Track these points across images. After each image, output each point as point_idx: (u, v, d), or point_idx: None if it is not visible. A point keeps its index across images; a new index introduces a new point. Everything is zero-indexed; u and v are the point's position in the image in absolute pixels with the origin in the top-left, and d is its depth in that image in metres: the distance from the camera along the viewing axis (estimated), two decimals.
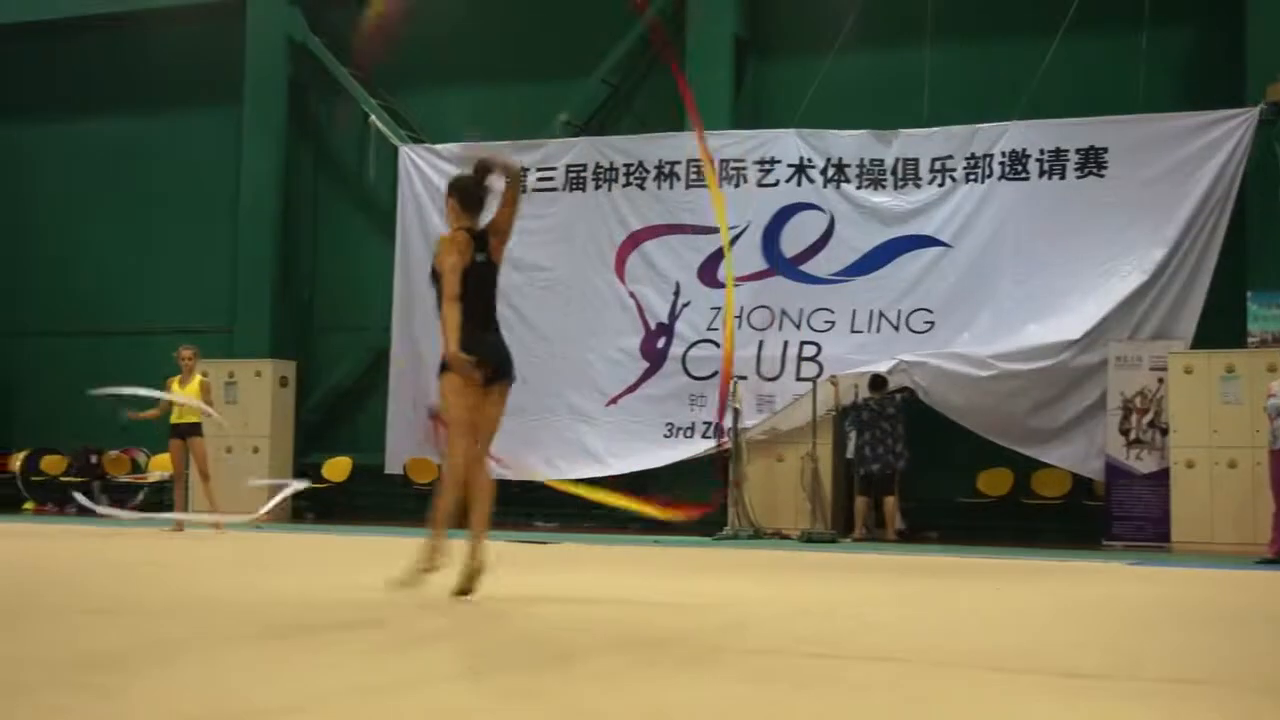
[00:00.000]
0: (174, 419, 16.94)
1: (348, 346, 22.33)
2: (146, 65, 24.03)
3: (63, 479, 23.03)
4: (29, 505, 22.91)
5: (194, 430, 16.99)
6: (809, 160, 19.56)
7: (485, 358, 8.14)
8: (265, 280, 22.22)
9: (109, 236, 24.06)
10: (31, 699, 4.43)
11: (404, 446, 20.97)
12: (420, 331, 20.68)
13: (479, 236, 8.35)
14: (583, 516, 19.96)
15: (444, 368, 8.16)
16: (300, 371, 22.11)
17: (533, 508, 20.41)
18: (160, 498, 21.68)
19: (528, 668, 5.44)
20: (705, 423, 19.53)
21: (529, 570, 11.27)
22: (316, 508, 21.70)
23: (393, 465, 21.09)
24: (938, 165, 19.12)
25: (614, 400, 20.07)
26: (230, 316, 22.58)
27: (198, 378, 17.22)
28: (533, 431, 20.19)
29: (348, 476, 21.76)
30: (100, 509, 17.84)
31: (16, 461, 23.33)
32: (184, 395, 16.89)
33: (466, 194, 8.49)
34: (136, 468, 22.84)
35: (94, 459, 23.02)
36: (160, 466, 22.12)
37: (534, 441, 20.18)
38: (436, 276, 8.20)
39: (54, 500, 22.78)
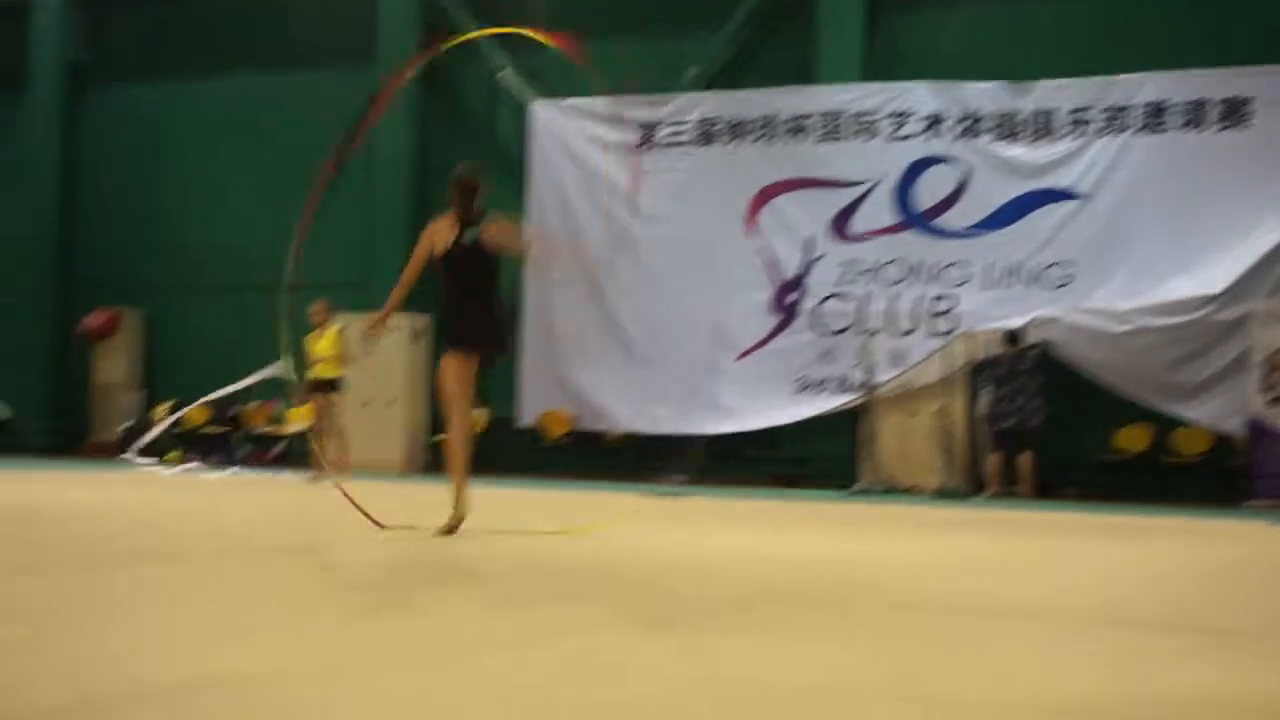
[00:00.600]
0: (312, 374, 17.25)
1: None
2: (278, 24, 24.31)
3: (204, 430, 23.49)
4: (172, 455, 23.41)
5: (332, 386, 17.24)
6: (942, 113, 19.34)
7: (460, 332, 9.33)
8: (398, 234, 22.40)
9: (244, 194, 24.42)
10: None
11: (537, 400, 21.14)
12: (554, 288, 20.85)
13: (467, 223, 9.45)
14: (713, 470, 20.01)
15: (443, 347, 9.33)
16: (436, 325, 22.27)
17: (667, 461, 20.47)
18: (300, 447, 22.09)
19: (664, 623, 5.47)
20: (837, 378, 19.46)
21: (658, 524, 11.33)
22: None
23: (526, 418, 21.25)
24: (1074, 117, 18.81)
25: (744, 354, 20.07)
26: (365, 270, 22.82)
27: (331, 331, 17.45)
28: (662, 384, 20.28)
29: (484, 429, 21.89)
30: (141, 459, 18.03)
31: (161, 412, 23.82)
32: (318, 351, 17.20)
33: (461, 188, 9.59)
34: (275, 420, 23.24)
35: (233, 411, 23.45)
36: (298, 419, 22.49)
37: (663, 395, 20.26)
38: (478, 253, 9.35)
39: (198, 451, 23.25)
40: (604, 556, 8.11)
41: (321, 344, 17.38)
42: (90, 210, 25.82)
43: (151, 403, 24.48)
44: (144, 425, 24.17)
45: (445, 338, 9.49)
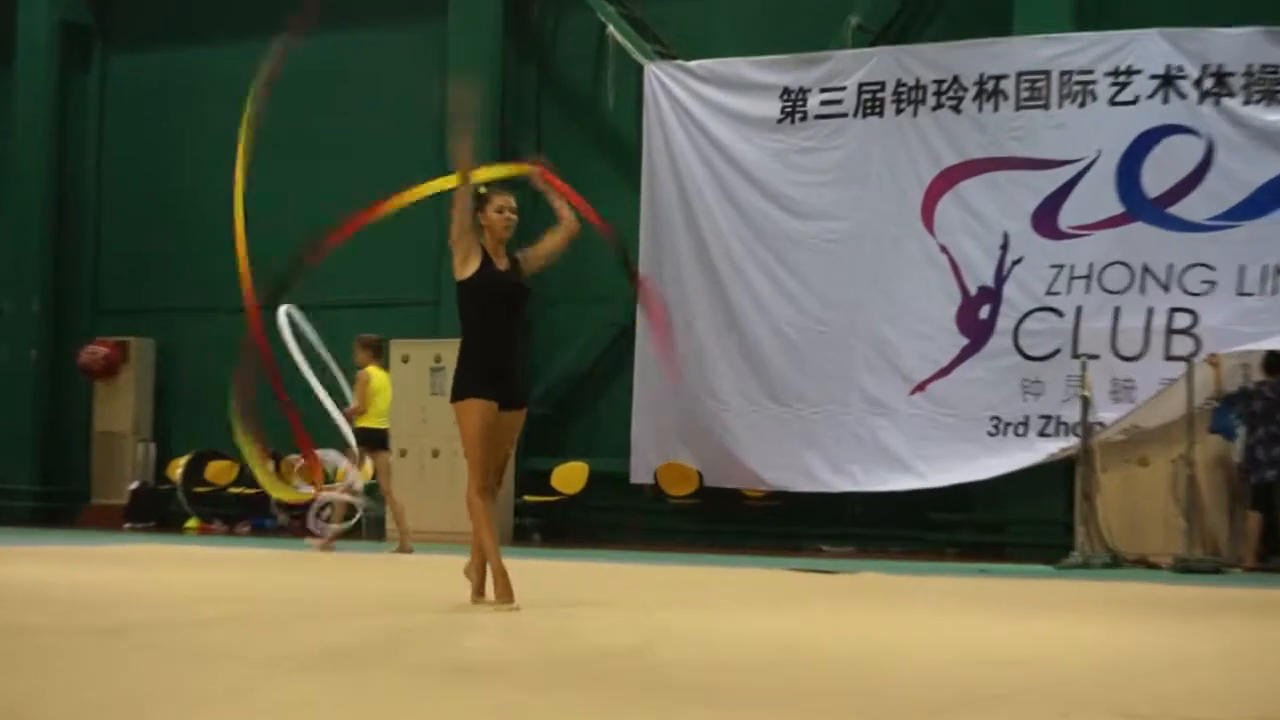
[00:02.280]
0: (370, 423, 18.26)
1: (582, 321, 22.49)
2: None
3: (231, 490, 23.69)
4: (192, 524, 23.64)
5: (371, 439, 18.28)
6: (1178, 69, 19.07)
7: (498, 382, 10.19)
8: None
9: (285, 188, 24.55)
10: None
11: (653, 451, 21.08)
12: (676, 298, 20.78)
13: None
14: (887, 539, 19.83)
15: (458, 394, 10.10)
16: (523, 354, 22.29)
17: (820, 528, 20.33)
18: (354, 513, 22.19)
19: None
20: (1043, 417, 19.22)
21: (824, 607, 11.24)
22: (543, 526, 21.92)
23: (640, 473, 21.21)
24: None
25: (920, 387, 19.92)
26: (435, 286, 22.89)
27: (368, 371, 18.37)
28: (814, 428, 20.19)
29: (583, 487, 21.92)
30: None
31: (177, 469, 24.06)
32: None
33: (508, 206, 10.66)
34: (325, 476, 23.33)
35: (271, 464, 23.61)
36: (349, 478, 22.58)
37: (816, 440, 20.17)
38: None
39: (220, 517, 23.45)
40: (778, 648, 8.12)
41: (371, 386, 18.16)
42: (90, 212, 26.21)
43: (164, 455, 24.73)
44: (156, 485, 24.47)
45: (474, 384, 10.18)
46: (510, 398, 10.26)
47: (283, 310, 18.71)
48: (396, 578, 14.19)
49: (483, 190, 10.61)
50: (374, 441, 18.25)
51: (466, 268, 10.31)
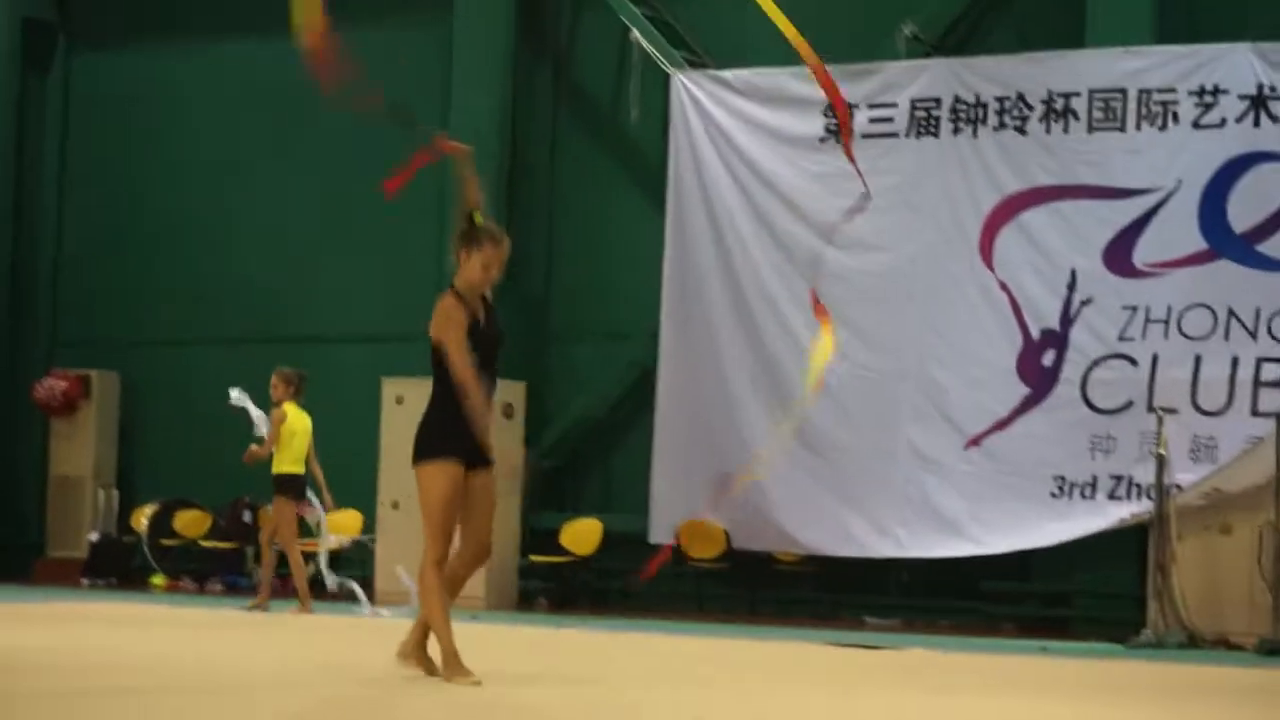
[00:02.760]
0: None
1: (598, 362, 22.52)
2: None
3: (203, 543, 23.69)
4: (158, 580, 23.64)
5: (283, 486, 18.66)
6: (1271, 88, 19.09)
7: (465, 438, 10.19)
8: None
9: (269, 204, 24.62)
10: None
11: (675, 507, 21.05)
12: (703, 335, 20.83)
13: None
14: (937, 611, 19.78)
15: (423, 455, 10.19)
16: (531, 397, 22.32)
17: (862, 597, 20.30)
18: (342, 569, 22.24)
19: None
20: (1114, 477, 19.19)
21: (856, 685, 11.23)
22: (551, 591, 21.90)
23: (660, 533, 21.17)
24: None
25: (975, 441, 19.90)
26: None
27: (284, 409, 18.64)
28: (855, 484, 20.17)
29: (596, 547, 21.88)
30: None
31: (142, 519, 24.06)
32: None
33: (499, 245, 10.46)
34: (306, 530, 23.35)
35: (247, 515, 23.60)
36: (338, 529, 22.59)
37: (857, 498, 20.16)
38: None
39: (190, 573, 23.45)
40: None
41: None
42: (49, 230, 26.27)
43: (128, 503, 24.73)
44: (119, 536, 24.48)
45: (441, 442, 10.21)
46: (479, 454, 10.26)
47: (234, 391, 18.97)
48: (357, 644, 14.17)
49: (478, 220, 10.52)
50: (286, 488, 18.57)
51: (449, 330, 10.26)
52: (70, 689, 9.43)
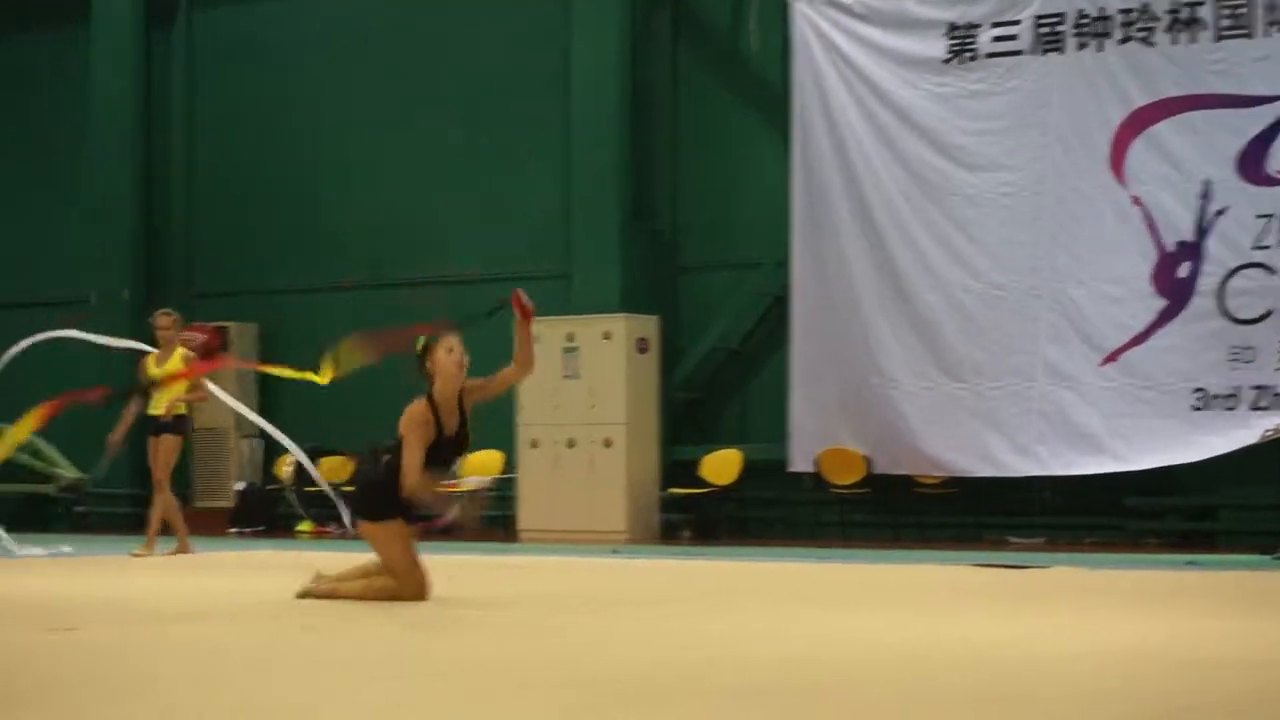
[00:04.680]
0: (150, 410, 18.30)
1: (730, 291, 22.52)
2: None
3: (346, 489, 23.95)
4: (304, 527, 23.91)
5: (166, 427, 18.25)
6: None
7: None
8: (610, 202, 22.54)
9: (400, 151, 24.72)
10: None
11: (814, 436, 21.10)
12: (835, 264, 20.92)
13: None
14: (1080, 529, 19.74)
15: (379, 513, 11.37)
16: (665, 330, 22.39)
17: (1004, 517, 20.28)
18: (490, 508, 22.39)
19: None
20: (1256, 388, 19.08)
21: (1004, 605, 11.25)
22: (693, 521, 22.00)
23: (800, 461, 21.24)
24: None
25: (1112, 357, 19.82)
26: (566, 258, 23.00)
27: (179, 352, 18.31)
28: (994, 405, 20.13)
29: (736, 477, 21.95)
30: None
31: (286, 467, 24.32)
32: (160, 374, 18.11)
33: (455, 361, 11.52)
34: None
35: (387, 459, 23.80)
36: (478, 469, 22.81)
37: (996, 419, 20.11)
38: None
39: (336, 518, 23.69)
40: (969, 654, 8.16)
41: (167, 366, 18.17)
42: (180, 186, 26.51)
43: (272, 452, 24.99)
44: (264, 485, 24.80)
45: (394, 506, 11.31)
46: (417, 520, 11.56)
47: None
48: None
49: (424, 342, 11.51)
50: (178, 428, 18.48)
51: (412, 439, 11.25)
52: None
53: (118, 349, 19.10)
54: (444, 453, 11.44)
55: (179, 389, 18.11)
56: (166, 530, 18.48)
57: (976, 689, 7.21)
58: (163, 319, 18.49)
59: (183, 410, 18.49)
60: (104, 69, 26.25)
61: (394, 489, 11.22)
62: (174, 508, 18.50)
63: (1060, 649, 8.82)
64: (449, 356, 11.33)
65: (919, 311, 20.59)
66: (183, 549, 18.18)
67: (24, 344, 18.36)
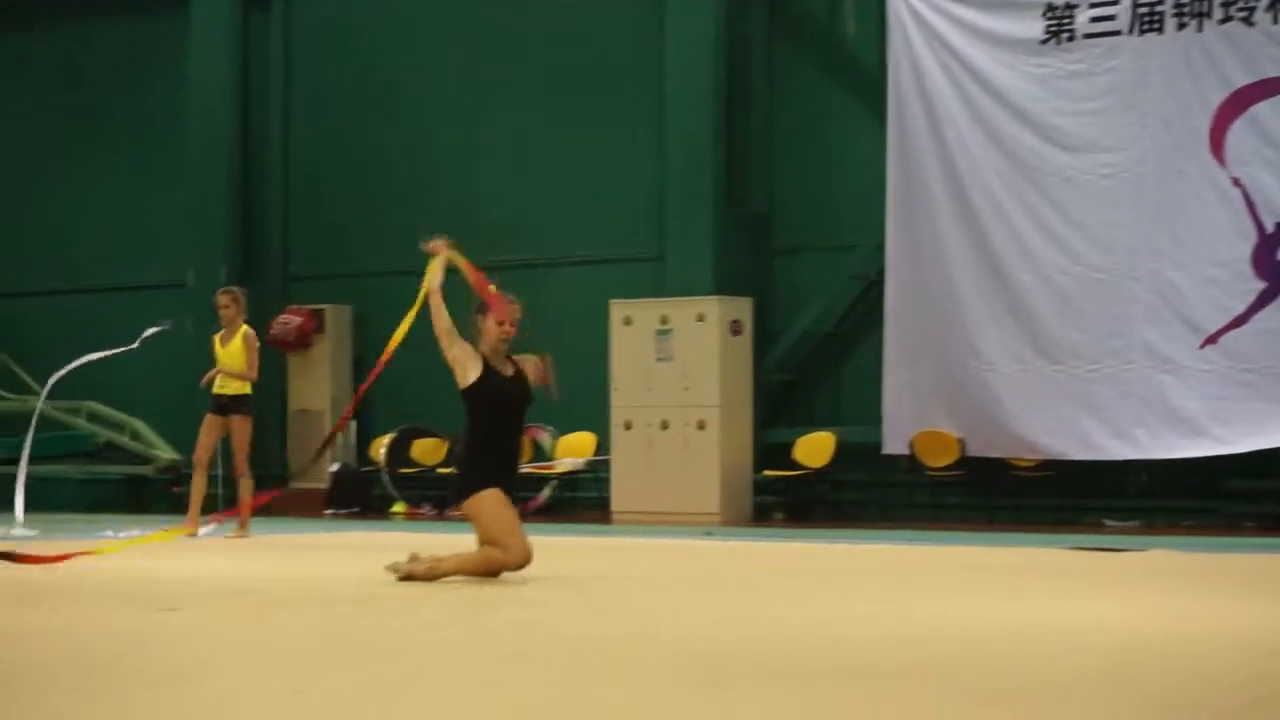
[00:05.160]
0: (215, 388, 18.25)
1: (824, 274, 22.49)
2: None
3: (440, 470, 24.03)
4: (398, 508, 24.03)
5: (236, 405, 18.17)
6: None
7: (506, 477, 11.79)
8: (704, 184, 22.53)
9: (499, 134, 24.75)
10: None
11: (908, 418, 21.06)
12: (930, 245, 20.84)
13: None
14: (1178, 512, 19.65)
15: (469, 491, 11.58)
16: (759, 313, 22.38)
17: (1101, 500, 20.21)
18: (572, 493, 22.44)
19: None
20: None
21: (1103, 587, 11.21)
22: (786, 503, 22.00)
23: (894, 443, 21.20)
24: None
25: (1212, 339, 19.71)
26: (659, 240, 23.03)
27: (242, 330, 18.21)
28: (1091, 388, 20.05)
29: (829, 460, 21.92)
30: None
31: (380, 449, 24.45)
32: (224, 356, 18.13)
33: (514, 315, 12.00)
34: (540, 453, 23.63)
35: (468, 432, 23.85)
36: (571, 450, 22.87)
37: (1093, 401, 20.04)
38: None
39: (430, 500, 23.81)
40: (1069, 637, 8.12)
41: (230, 346, 18.16)
42: (277, 169, 26.64)
43: (366, 434, 25.13)
44: (358, 466, 24.92)
45: (484, 480, 11.63)
46: (513, 494, 11.85)
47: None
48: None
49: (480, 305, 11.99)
50: (241, 408, 18.33)
51: (468, 375, 11.74)
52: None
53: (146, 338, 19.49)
54: (508, 396, 11.76)
55: (242, 367, 18.07)
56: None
57: (1102, 671, 7.25)
58: (222, 297, 18.51)
59: (247, 390, 18.41)
60: (202, 54, 26.32)
61: (485, 457, 11.64)
62: (203, 489, 18.76)
63: (1168, 630, 8.83)
64: (497, 329, 11.78)
65: (1015, 293, 20.51)
66: (190, 529, 17.99)
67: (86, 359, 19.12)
